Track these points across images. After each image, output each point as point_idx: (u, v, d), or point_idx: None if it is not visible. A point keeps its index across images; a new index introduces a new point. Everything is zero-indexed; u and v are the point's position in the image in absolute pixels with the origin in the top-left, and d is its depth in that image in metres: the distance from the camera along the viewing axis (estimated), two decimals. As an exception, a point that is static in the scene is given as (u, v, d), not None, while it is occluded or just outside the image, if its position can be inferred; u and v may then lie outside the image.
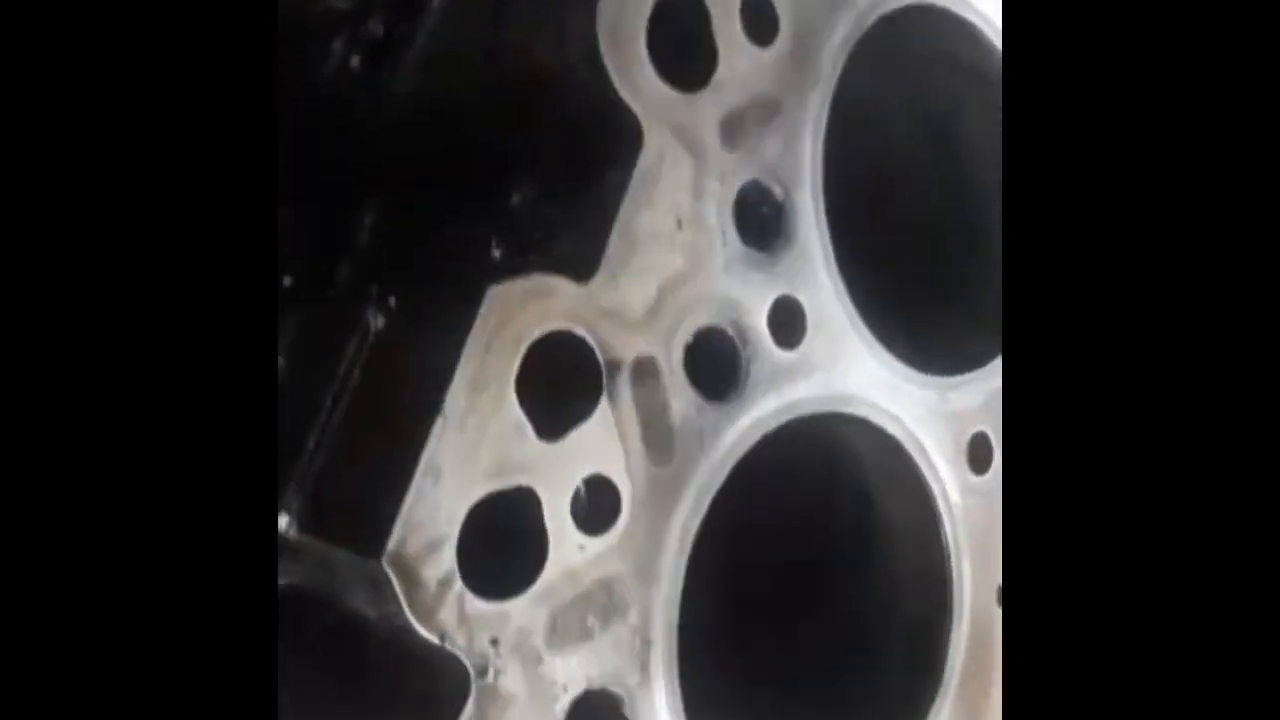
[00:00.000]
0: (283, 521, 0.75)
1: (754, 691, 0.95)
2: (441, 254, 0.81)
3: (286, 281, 0.96)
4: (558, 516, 0.72)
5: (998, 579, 1.04)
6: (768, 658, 0.99)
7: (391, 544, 0.65)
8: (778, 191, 0.86)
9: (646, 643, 0.76)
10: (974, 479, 1.01)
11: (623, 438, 0.76)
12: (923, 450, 0.96)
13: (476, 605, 0.68)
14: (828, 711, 0.95)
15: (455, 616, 0.67)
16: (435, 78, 0.94)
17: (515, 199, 0.83)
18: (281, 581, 0.81)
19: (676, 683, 0.77)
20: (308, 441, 0.77)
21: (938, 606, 0.99)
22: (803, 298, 0.87)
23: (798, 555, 1.00)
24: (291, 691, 0.78)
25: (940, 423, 0.98)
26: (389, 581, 0.65)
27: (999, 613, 1.03)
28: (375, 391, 0.76)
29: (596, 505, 0.74)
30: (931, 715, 0.96)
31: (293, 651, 0.79)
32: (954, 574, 0.99)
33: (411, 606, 0.65)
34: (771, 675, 0.99)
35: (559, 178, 0.82)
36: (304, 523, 0.75)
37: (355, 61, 1.10)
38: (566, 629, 0.73)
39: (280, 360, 0.87)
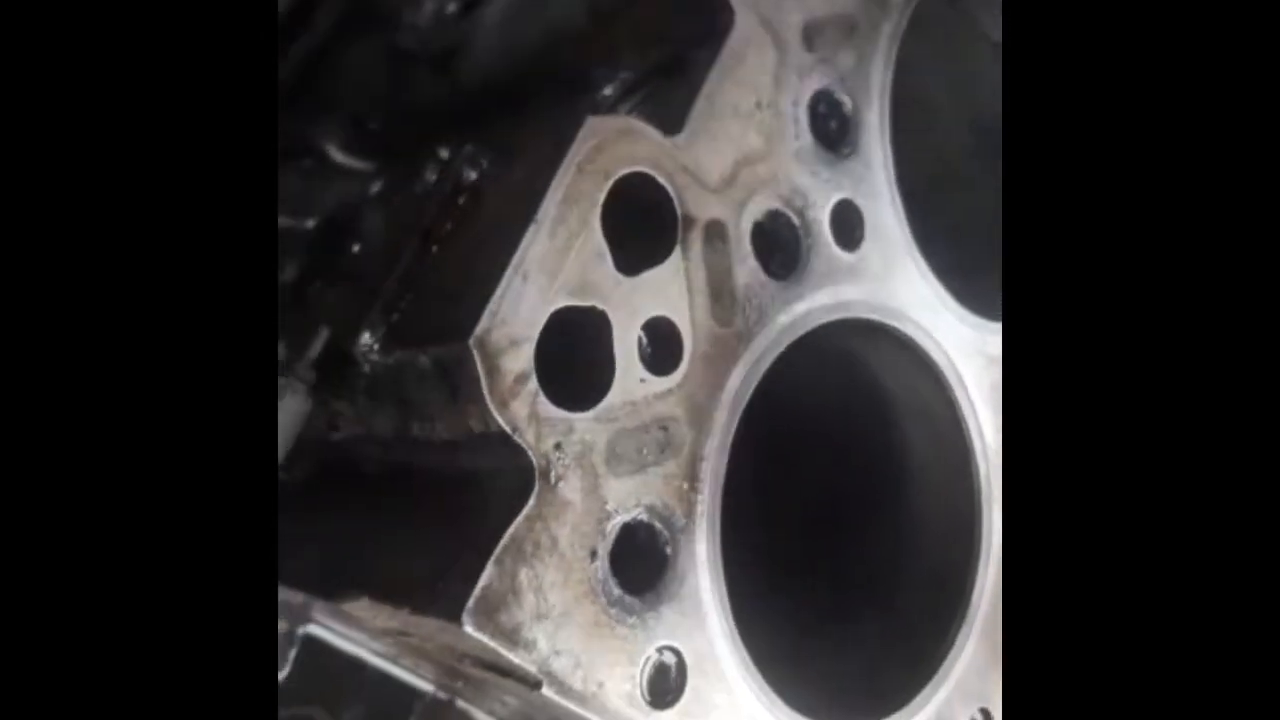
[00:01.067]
0: (364, 343, 0.79)
1: (790, 571, 0.96)
2: (532, 122, 0.87)
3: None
4: (625, 346, 0.76)
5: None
6: (805, 541, 1.01)
7: (479, 329, 0.68)
8: (847, 103, 0.91)
9: (695, 488, 0.79)
10: (1008, 424, 1.04)
11: (690, 290, 0.80)
12: (961, 383, 1.00)
13: (547, 408, 0.72)
14: (854, 610, 0.97)
15: (527, 412, 0.71)
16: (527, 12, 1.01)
17: (607, 91, 0.89)
18: (343, 434, 0.85)
19: (719, 534, 0.79)
20: (389, 280, 0.82)
21: (965, 544, 1.01)
22: (863, 205, 0.92)
23: (839, 459, 1.03)
24: (353, 524, 0.81)
25: (978, 361, 1.02)
26: (472, 364, 0.68)
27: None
28: (469, 220, 0.81)
29: (660, 345, 0.78)
30: (958, 644, 0.97)
31: (355, 491, 0.83)
32: (984, 515, 1.01)
33: (490, 392, 0.69)
34: (807, 561, 1.01)
35: (651, 68, 0.88)
36: (386, 344, 0.79)
37: (451, 8, 1.18)
38: (623, 454, 0.76)
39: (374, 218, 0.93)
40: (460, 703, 1.26)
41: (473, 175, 0.84)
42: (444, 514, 0.76)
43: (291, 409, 0.77)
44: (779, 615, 0.85)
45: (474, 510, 0.74)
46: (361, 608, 0.77)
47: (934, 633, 0.97)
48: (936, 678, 0.95)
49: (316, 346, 0.79)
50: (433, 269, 0.80)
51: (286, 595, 1.10)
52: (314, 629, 1.18)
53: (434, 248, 0.81)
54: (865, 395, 0.98)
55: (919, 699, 0.94)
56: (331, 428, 0.87)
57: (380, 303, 0.80)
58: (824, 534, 1.02)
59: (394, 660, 1.23)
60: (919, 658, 0.95)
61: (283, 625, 1.16)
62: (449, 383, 0.73)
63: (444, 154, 0.97)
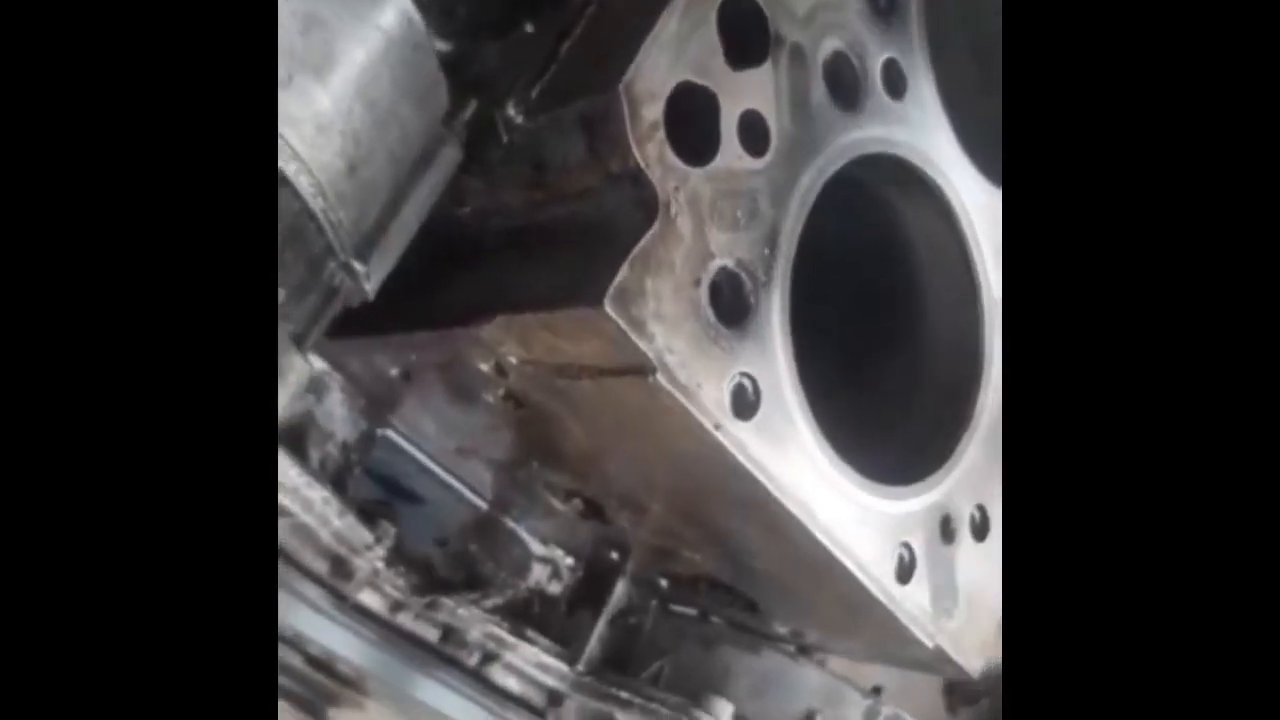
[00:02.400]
0: (510, 116, 0.96)
1: (834, 351, 1.14)
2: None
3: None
4: (728, 125, 0.94)
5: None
6: (845, 332, 1.19)
7: (626, 78, 0.86)
8: (897, -18, 1.11)
9: (773, 256, 0.97)
10: (1008, 280, 1.24)
11: (778, 95, 0.98)
12: (975, 236, 1.19)
13: (670, 156, 0.89)
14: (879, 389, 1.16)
15: (657, 154, 0.88)
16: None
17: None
18: (470, 208, 1.02)
19: (788, 297, 0.97)
20: (524, 70, 0.99)
21: (970, 368, 1.19)
22: (905, 67, 1.11)
23: (871, 272, 1.22)
24: (486, 274, 0.98)
25: (991, 217, 1.21)
26: (620, 108, 0.85)
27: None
28: (599, 21, 0.98)
29: (752, 132, 0.96)
30: (962, 444, 1.15)
31: (483, 253, 0.99)
32: (985, 343, 1.20)
33: (633, 130, 0.86)
34: (847, 347, 1.19)
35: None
36: (531, 110, 0.96)
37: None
38: (723, 212, 0.93)
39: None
40: (508, 521, 1.41)
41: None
42: (576, 246, 0.93)
43: (449, 159, 0.94)
44: (825, 377, 1.02)
45: (604, 239, 0.90)
46: (498, 327, 0.93)
47: (946, 432, 1.15)
48: (947, 465, 1.13)
49: (468, 113, 0.96)
50: (570, 56, 0.97)
51: (373, 394, 1.26)
52: (391, 433, 1.33)
53: (566, 44, 0.98)
54: (893, 224, 1.18)
55: (931, 480, 1.11)
56: (458, 203, 1.04)
57: (521, 81, 0.97)
58: (859, 336, 1.21)
59: (456, 474, 1.39)
60: (932, 449, 1.13)
61: (364, 424, 1.31)
62: (590, 133, 0.90)
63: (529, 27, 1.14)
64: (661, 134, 0.89)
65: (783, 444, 0.96)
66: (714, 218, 0.93)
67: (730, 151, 0.94)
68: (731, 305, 0.94)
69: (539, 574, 1.43)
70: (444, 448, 1.31)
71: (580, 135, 0.91)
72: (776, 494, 0.96)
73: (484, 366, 1.02)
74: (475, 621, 1.32)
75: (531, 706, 1.38)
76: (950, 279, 1.19)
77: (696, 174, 0.91)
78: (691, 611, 1.40)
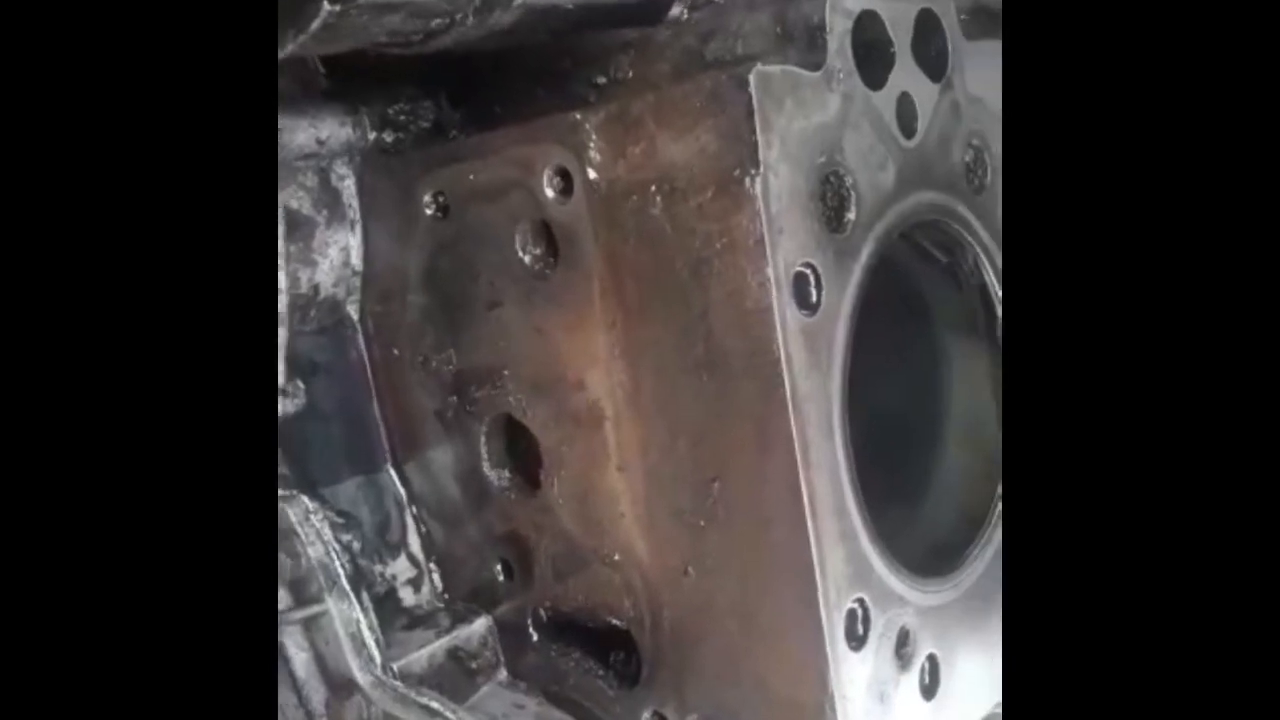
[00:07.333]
0: None
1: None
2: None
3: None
4: (889, 95, 0.97)
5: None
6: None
7: None
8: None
9: (845, 269, 0.92)
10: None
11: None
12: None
13: (849, 53, 0.90)
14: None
15: (837, 47, 0.89)
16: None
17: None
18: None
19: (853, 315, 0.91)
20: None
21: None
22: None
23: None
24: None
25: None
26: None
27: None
28: None
29: (906, 116, 0.98)
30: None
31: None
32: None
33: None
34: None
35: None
36: None
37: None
38: (862, 131, 0.92)
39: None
40: (401, 489, 1.23)
41: None
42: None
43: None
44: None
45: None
46: (608, 115, 0.89)
47: (931, 569, 1.02)
48: (918, 584, 0.99)
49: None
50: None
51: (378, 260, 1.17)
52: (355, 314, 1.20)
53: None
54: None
55: (901, 582, 0.97)
56: (601, 72, 1.05)
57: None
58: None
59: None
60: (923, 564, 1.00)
61: (345, 291, 1.19)
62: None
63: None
64: (849, 45, 0.91)
65: (815, 369, 0.87)
66: (856, 130, 0.91)
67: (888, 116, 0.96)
68: (836, 205, 0.90)
69: (401, 569, 1.21)
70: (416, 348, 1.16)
71: (770, 6, 0.93)
72: (789, 402, 0.84)
73: (548, 183, 0.96)
74: (318, 542, 1.09)
75: (301, 687, 1.09)
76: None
77: (860, 85, 0.92)
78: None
